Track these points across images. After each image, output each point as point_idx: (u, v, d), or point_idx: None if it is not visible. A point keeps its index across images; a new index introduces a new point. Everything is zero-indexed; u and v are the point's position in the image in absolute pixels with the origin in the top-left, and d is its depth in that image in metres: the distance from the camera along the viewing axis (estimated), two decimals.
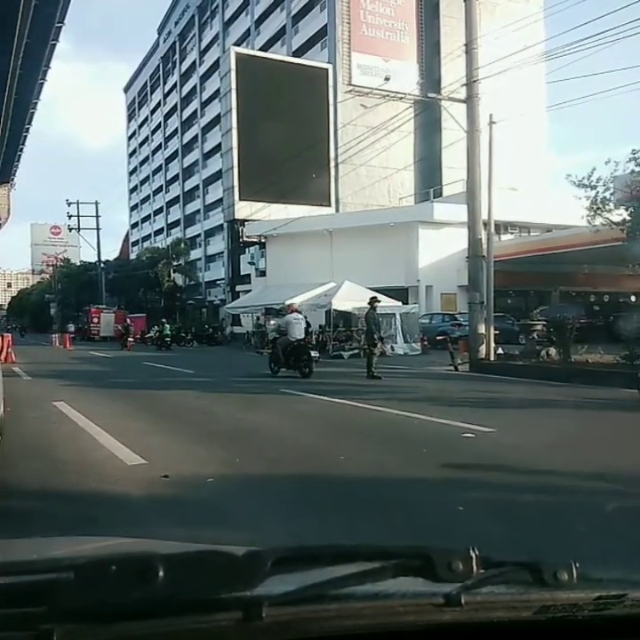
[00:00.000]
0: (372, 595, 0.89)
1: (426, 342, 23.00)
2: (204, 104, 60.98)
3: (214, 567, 0.94)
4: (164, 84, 72.31)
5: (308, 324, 15.10)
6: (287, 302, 18.25)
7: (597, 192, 14.68)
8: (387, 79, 41.29)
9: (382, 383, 13.16)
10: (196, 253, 59.70)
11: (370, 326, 14.88)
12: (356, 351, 20.93)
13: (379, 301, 15.73)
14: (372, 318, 14.92)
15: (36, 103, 21.90)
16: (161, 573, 0.87)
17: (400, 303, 24.10)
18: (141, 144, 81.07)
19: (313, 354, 14.11)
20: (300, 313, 15.26)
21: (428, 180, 42.06)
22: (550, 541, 3.48)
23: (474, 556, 0.91)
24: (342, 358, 20.96)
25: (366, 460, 5.89)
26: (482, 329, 15.25)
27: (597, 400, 9.85)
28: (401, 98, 38.33)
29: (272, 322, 25.87)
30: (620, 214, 14.92)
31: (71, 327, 48.65)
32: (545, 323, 12.67)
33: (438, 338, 22.33)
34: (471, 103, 15.21)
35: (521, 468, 5.42)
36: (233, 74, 37.94)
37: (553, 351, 13.01)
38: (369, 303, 15.24)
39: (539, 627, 0.95)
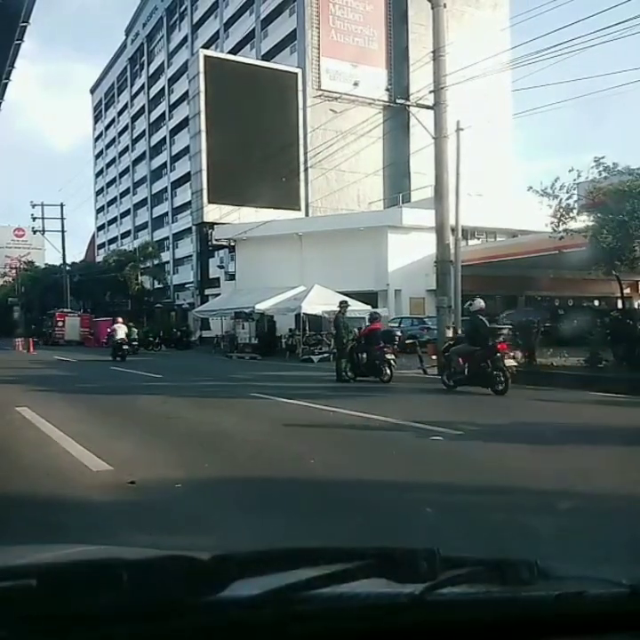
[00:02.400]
0: (338, 596, 0.90)
1: (395, 346, 23.11)
2: (173, 106, 60.44)
3: (179, 572, 0.94)
4: (132, 85, 71.46)
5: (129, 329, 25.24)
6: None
7: (560, 200, 14.97)
8: (355, 84, 41.47)
9: (351, 386, 13.22)
10: (164, 256, 59.09)
11: (339, 330, 14.97)
12: (326, 355, 20.96)
13: (348, 305, 15.83)
14: (341, 322, 15.01)
15: (0, 103, 21.45)
16: (126, 579, 0.87)
17: (369, 307, 24.21)
18: (108, 146, 79.98)
19: (125, 347, 22.88)
20: (123, 322, 24.34)
21: (397, 186, 42.35)
22: (513, 541, 3.54)
23: (437, 556, 0.92)
24: (312, 362, 20.97)
25: (336, 463, 5.90)
26: (450, 333, 15.40)
27: (561, 402, 10.03)
28: (370, 103, 38.58)
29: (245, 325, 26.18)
30: (582, 221, 15.24)
31: None
32: (511, 326, 12.83)
33: (407, 342, 22.47)
34: (439, 110, 15.37)
35: (488, 470, 5.49)
36: (201, 76, 37.69)
37: (519, 354, 13.21)
38: (338, 307, 15.33)
39: (502, 625, 0.96)
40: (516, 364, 11.23)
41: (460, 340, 12.41)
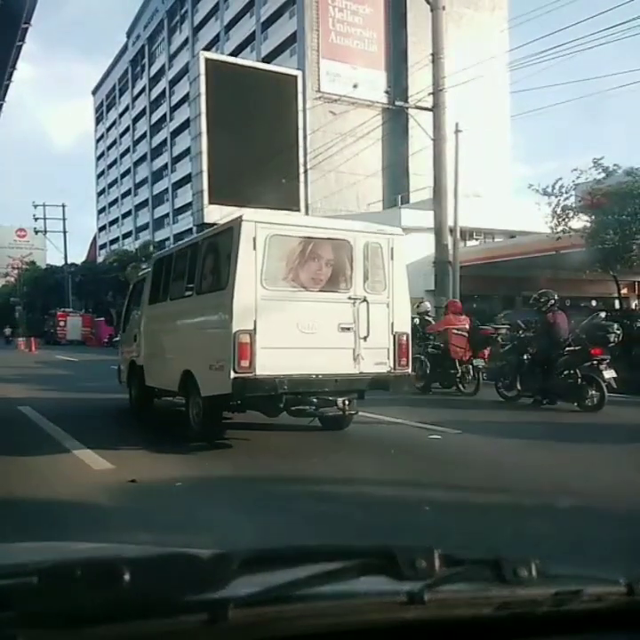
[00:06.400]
0: (337, 594, 0.90)
1: None
2: (174, 108, 60.45)
3: (180, 570, 0.95)
4: (133, 87, 71.47)
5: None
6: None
7: (559, 200, 14.99)
8: (355, 86, 41.46)
9: None
10: None
11: None
12: None
13: None
14: None
15: (2, 105, 21.46)
16: (127, 577, 0.87)
17: None
18: (109, 147, 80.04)
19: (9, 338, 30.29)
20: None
21: (396, 187, 42.36)
22: (511, 539, 3.54)
23: (436, 554, 0.93)
24: None
25: (336, 461, 5.92)
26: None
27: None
28: (369, 105, 38.58)
29: None
30: (584, 221, 15.25)
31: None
32: (509, 326, 12.76)
33: None
34: (437, 112, 15.38)
35: (485, 468, 5.51)
36: (202, 78, 37.50)
37: None
38: None
39: (500, 623, 0.97)
40: (615, 374, 8.81)
41: (523, 341, 10.02)
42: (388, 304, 6.59)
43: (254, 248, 5.98)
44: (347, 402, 6.35)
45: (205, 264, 6.91)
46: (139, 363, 8.64)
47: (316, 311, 6.25)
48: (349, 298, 6.41)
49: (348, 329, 6.35)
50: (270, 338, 5.94)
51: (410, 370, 6.81)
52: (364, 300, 6.41)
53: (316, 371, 6.11)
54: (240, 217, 6.20)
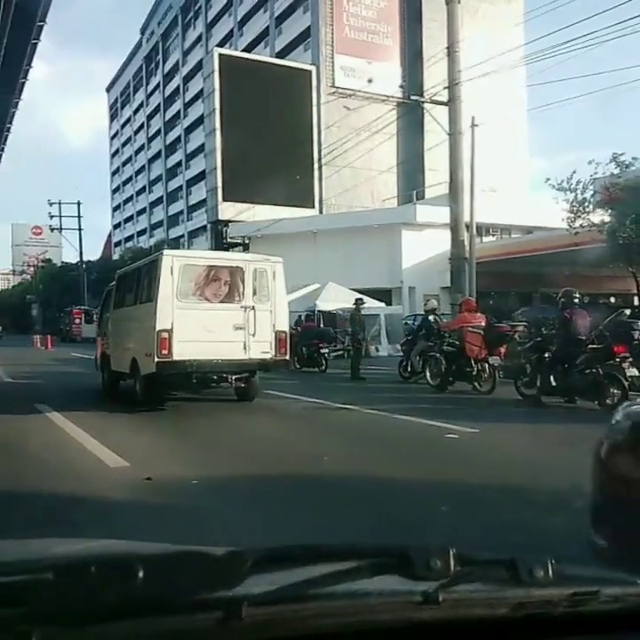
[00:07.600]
0: (351, 593, 0.90)
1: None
2: (188, 105, 60.67)
3: (195, 567, 0.95)
4: (147, 84, 71.83)
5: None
6: None
7: (577, 194, 14.84)
8: (370, 81, 41.32)
9: (366, 384, 13.19)
10: None
11: (354, 327, 14.99)
12: (341, 352, 20.94)
13: (363, 303, 15.86)
14: (356, 319, 15.02)
15: (18, 102, 21.65)
16: (141, 574, 0.87)
17: (384, 304, 24.16)
18: (124, 144, 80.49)
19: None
20: None
21: (411, 182, 42.19)
22: (527, 539, 3.52)
23: (451, 553, 0.92)
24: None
25: (350, 461, 5.91)
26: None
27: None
28: (384, 100, 38.44)
29: None
30: (600, 214, 15.09)
31: None
32: (526, 324, 12.64)
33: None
34: (453, 106, 15.29)
35: (504, 468, 5.47)
36: (216, 75, 37.76)
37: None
38: (354, 304, 15.36)
39: (515, 623, 0.96)
40: (638, 373, 8.62)
41: (543, 339, 9.91)
42: (271, 311, 9.17)
43: (172, 274, 8.62)
44: (234, 377, 9.16)
45: (143, 282, 9.58)
46: (108, 353, 11.25)
47: (217, 316, 8.81)
48: (242, 307, 8.98)
49: (241, 328, 8.92)
50: (183, 334, 8.50)
51: (288, 357, 9.62)
52: (253, 308, 8.99)
53: (217, 357, 8.79)
54: (162, 252, 9.34)
